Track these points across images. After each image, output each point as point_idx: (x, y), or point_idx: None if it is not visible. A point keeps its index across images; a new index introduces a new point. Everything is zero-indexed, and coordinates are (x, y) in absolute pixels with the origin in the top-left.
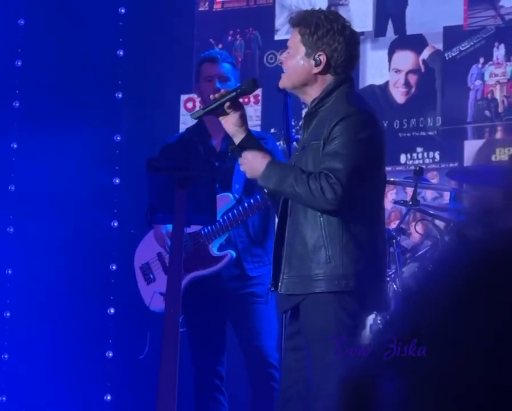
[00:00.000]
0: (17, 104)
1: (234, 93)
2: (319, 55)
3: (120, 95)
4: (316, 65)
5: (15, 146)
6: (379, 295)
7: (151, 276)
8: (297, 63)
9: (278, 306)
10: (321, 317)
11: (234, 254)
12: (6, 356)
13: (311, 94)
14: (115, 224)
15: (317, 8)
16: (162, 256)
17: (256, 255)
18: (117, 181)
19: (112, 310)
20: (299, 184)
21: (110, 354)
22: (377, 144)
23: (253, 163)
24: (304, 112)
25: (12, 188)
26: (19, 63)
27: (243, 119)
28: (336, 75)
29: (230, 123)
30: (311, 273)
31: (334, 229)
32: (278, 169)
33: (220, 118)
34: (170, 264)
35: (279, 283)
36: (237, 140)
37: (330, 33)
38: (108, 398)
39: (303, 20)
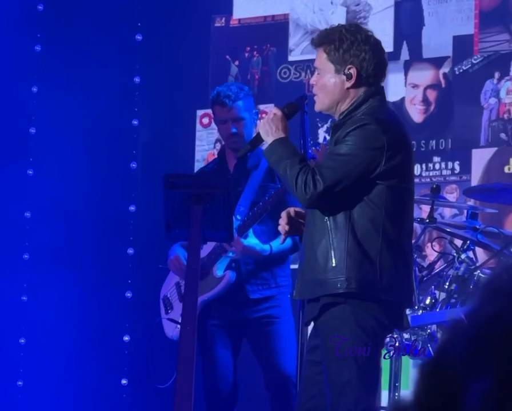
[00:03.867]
0: (35, 89)
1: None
2: (349, 69)
3: (136, 108)
4: (348, 79)
5: (33, 131)
6: (396, 313)
7: (170, 305)
8: (328, 82)
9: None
10: (337, 334)
11: (233, 274)
12: (22, 340)
13: (340, 108)
14: (133, 209)
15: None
16: (179, 285)
17: (260, 278)
18: (134, 165)
19: (129, 294)
20: (292, 169)
21: (127, 338)
22: (394, 154)
23: (269, 129)
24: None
25: (31, 172)
26: (38, 48)
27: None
28: (369, 86)
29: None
30: (318, 277)
31: (341, 233)
32: (283, 148)
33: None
34: (186, 279)
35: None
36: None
37: (354, 44)
38: (124, 382)
39: (326, 38)
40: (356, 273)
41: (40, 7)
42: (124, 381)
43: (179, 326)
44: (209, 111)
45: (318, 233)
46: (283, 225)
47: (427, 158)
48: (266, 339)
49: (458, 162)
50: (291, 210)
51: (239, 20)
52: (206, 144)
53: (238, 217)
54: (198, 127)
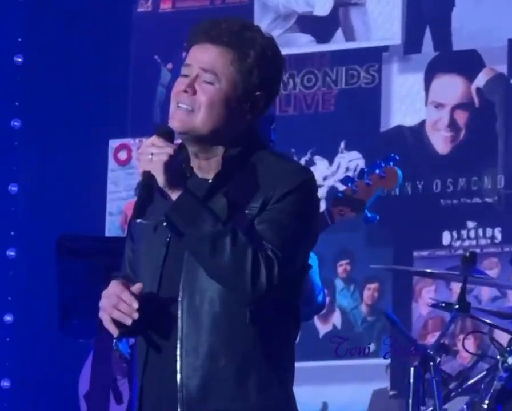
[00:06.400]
0: None
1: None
2: (258, 95)
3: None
4: (252, 109)
5: None
6: None
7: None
8: (226, 103)
9: None
10: None
11: None
12: None
13: (219, 143)
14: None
15: (316, 9)
16: (115, 380)
17: None
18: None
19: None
20: (236, 244)
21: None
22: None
23: (170, 177)
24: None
25: None
26: None
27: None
28: (253, 119)
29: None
30: (237, 407)
31: (269, 338)
32: (199, 207)
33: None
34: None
35: None
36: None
37: (274, 65)
38: None
39: (239, 38)
40: (287, 394)
41: None
42: None
43: None
44: (128, 141)
45: (228, 330)
46: (130, 312)
47: (459, 223)
48: None
49: (499, 228)
50: (137, 288)
51: (173, 2)
52: (123, 190)
53: None
54: (112, 163)
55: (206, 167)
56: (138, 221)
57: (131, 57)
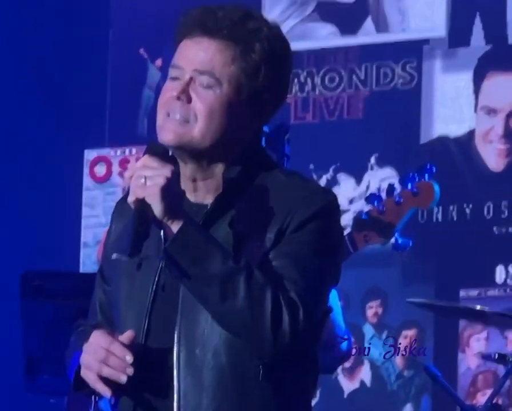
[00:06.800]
0: None
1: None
2: (266, 98)
3: None
4: (259, 116)
5: None
6: None
7: None
8: (228, 110)
9: None
10: None
11: None
12: None
13: (219, 160)
14: None
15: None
16: None
17: None
18: None
19: None
20: (252, 284)
21: None
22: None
23: (169, 203)
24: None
25: None
26: None
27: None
28: (260, 129)
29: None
30: None
31: (284, 397)
32: (205, 240)
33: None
34: None
35: None
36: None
37: (284, 61)
38: None
39: (242, 32)
40: None
41: None
42: None
43: None
44: (107, 153)
45: (238, 394)
46: (124, 367)
47: None
48: None
49: None
50: (127, 337)
51: None
52: (102, 214)
53: None
54: (87, 180)
55: (202, 189)
56: (114, 256)
57: (109, 50)
